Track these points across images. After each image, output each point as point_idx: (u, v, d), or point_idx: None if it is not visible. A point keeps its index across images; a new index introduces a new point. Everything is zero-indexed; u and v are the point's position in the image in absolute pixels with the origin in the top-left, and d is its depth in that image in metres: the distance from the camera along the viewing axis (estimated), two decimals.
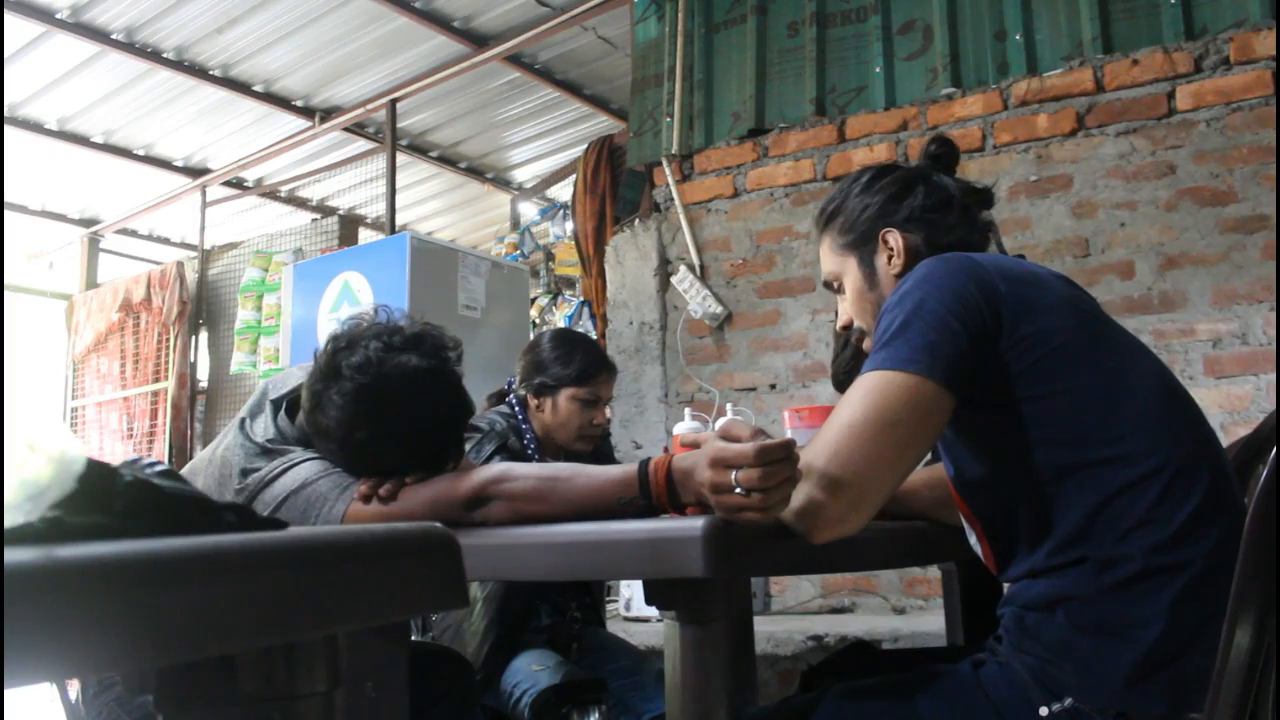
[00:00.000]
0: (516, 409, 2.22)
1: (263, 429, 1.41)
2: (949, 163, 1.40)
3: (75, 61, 4.82)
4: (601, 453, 2.34)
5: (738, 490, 0.95)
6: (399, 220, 5.27)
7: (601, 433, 2.27)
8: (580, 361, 2.17)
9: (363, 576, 0.58)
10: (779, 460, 0.94)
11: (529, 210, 6.04)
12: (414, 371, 1.29)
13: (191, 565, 0.47)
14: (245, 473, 1.35)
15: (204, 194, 6.01)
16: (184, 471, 1.50)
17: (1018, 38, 3.31)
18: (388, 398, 1.28)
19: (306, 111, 5.44)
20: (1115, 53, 3.15)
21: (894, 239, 1.29)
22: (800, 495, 0.99)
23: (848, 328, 1.38)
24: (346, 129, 5.51)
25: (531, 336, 3.70)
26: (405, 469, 1.30)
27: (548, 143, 6.01)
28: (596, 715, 1.91)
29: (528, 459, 2.13)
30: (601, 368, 2.20)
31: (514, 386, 2.26)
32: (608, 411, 2.27)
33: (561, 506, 1.18)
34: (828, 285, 1.40)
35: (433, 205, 6.71)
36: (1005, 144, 3.30)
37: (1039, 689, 1.00)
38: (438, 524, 0.68)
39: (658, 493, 1.11)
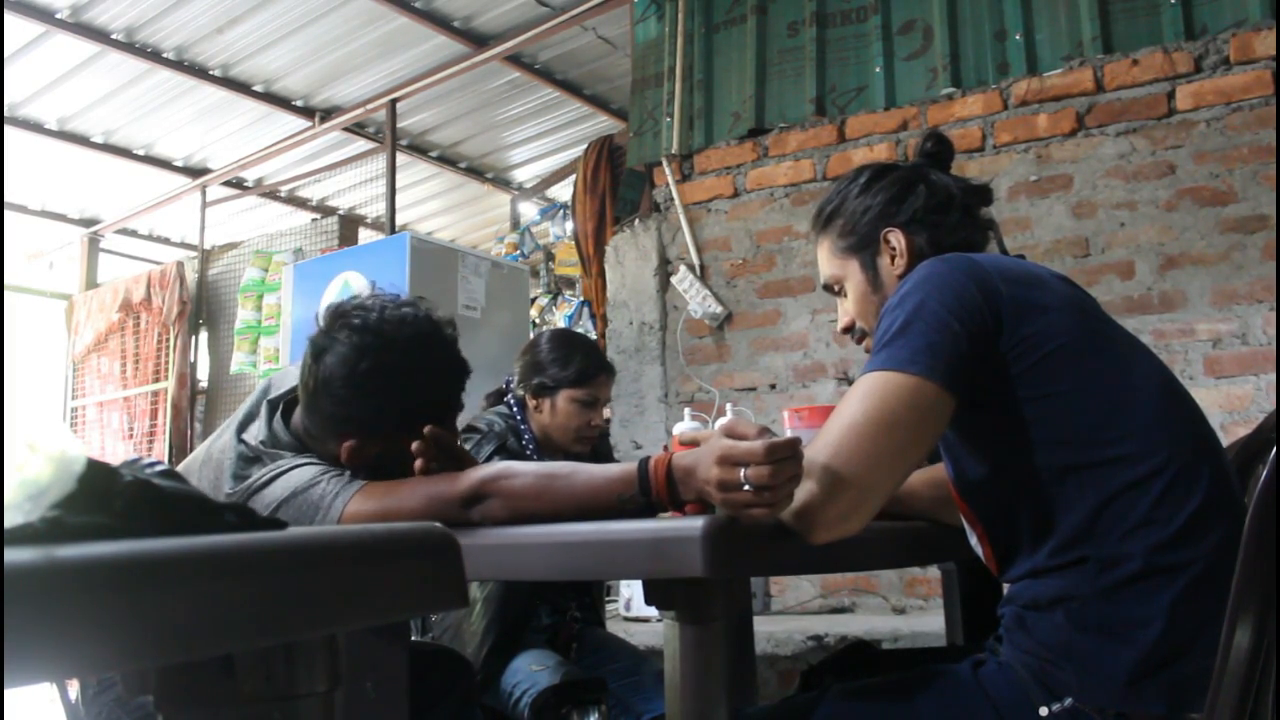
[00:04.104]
0: (515, 409, 2.22)
1: (255, 433, 1.41)
2: (944, 159, 1.38)
3: (75, 61, 4.81)
4: (601, 453, 2.34)
5: (746, 488, 0.95)
6: (399, 220, 5.27)
7: (599, 434, 2.27)
8: (578, 363, 2.17)
9: (363, 576, 0.58)
10: (786, 458, 0.94)
11: (529, 210, 6.03)
12: (413, 316, 1.41)
13: (191, 565, 0.47)
14: (237, 478, 1.34)
15: (204, 194, 6.01)
16: (179, 469, 1.50)
17: (1018, 38, 3.31)
18: (389, 332, 1.37)
19: (306, 111, 5.44)
20: (1115, 53, 3.15)
21: (896, 239, 1.28)
22: (800, 495, 0.99)
23: (849, 330, 1.37)
24: (346, 129, 5.51)
25: (531, 336, 3.69)
26: (409, 416, 1.34)
27: (548, 143, 6.00)
28: (596, 715, 1.91)
29: (526, 459, 2.13)
30: (600, 369, 2.20)
31: (512, 386, 2.26)
32: (606, 412, 2.26)
33: (560, 505, 1.17)
34: (828, 289, 1.39)
35: (433, 205, 6.71)
36: (1005, 144, 3.30)
37: (1039, 689, 1.00)
38: (438, 524, 0.68)
39: (657, 490, 1.10)
